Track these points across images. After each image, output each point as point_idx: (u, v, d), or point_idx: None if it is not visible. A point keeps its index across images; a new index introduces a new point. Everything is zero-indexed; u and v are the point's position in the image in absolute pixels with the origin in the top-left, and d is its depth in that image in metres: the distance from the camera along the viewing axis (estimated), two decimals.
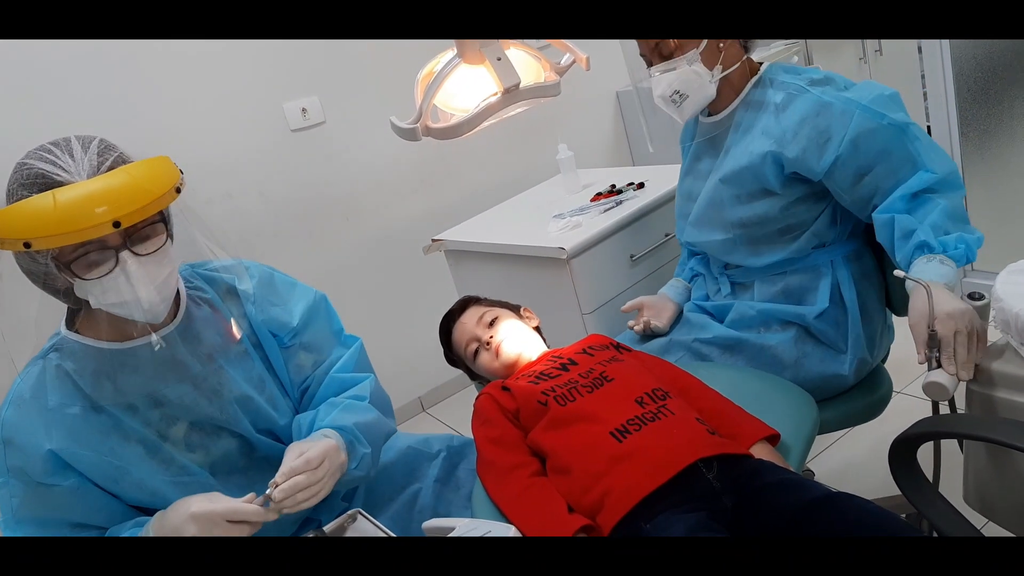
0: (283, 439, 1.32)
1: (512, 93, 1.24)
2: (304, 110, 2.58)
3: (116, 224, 0.99)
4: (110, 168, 1.05)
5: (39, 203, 0.97)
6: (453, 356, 1.63)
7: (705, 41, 1.44)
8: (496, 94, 1.25)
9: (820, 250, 1.54)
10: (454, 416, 2.87)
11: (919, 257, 1.30)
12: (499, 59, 1.22)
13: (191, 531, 1.07)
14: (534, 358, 1.50)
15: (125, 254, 1.05)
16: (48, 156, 1.04)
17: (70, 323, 1.19)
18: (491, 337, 1.50)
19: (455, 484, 1.48)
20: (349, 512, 1.25)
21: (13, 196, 1.03)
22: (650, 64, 1.53)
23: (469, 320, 1.56)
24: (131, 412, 1.17)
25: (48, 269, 1.05)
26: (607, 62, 3.24)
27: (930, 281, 1.22)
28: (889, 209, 1.36)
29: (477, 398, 1.43)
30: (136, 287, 1.06)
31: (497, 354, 1.48)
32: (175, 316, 1.23)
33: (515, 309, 1.62)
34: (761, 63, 1.55)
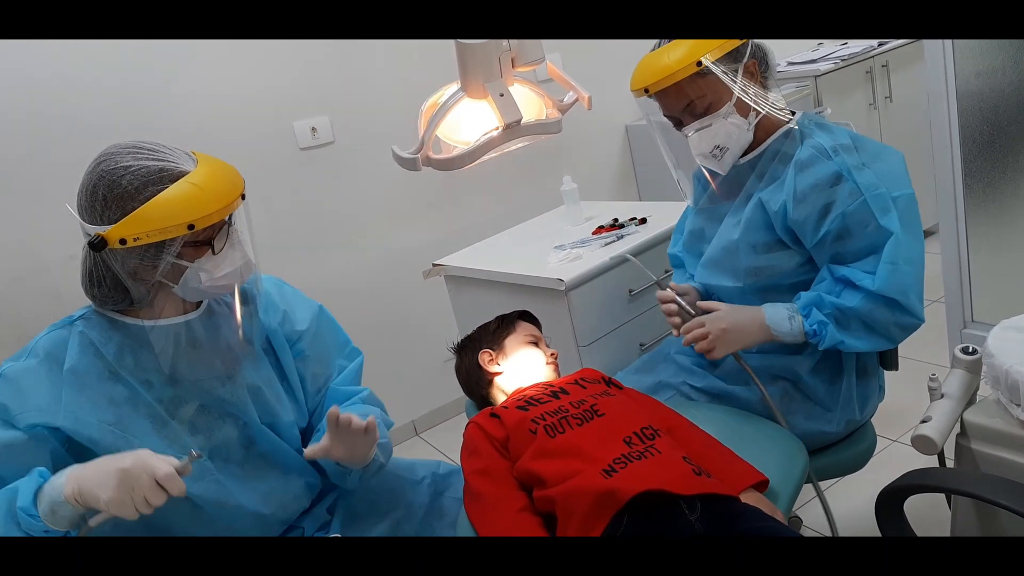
0: (284, 435, 1.36)
1: (513, 129, 1.26)
2: (314, 129, 2.60)
3: (243, 196, 1.17)
4: (195, 159, 1.17)
5: (185, 189, 1.11)
6: (480, 338, 1.63)
7: (736, 95, 1.43)
8: (497, 129, 1.26)
9: None
10: (447, 441, 2.86)
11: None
12: (502, 95, 1.24)
13: (126, 463, 1.03)
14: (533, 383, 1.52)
15: (232, 228, 1.20)
16: (144, 154, 1.14)
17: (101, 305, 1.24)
18: (553, 353, 1.61)
19: (439, 511, 1.48)
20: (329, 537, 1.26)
21: (139, 195, 1.11)
22: (679, 124, 1.51)
23: (537, 330, 1.67)
24: (147, 386, 1.22)
25: (160, 260, 1.13)
26: (617, 96, 3.27)
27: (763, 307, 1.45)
28: (832, 272, 1.44)
29: (466, 427, 1.43)
30: (242, 254, 1.20)
31: (555, 364, 1.59)
32: (199, 305, 1.30)
33: None
34: (793, 112, 1.52)
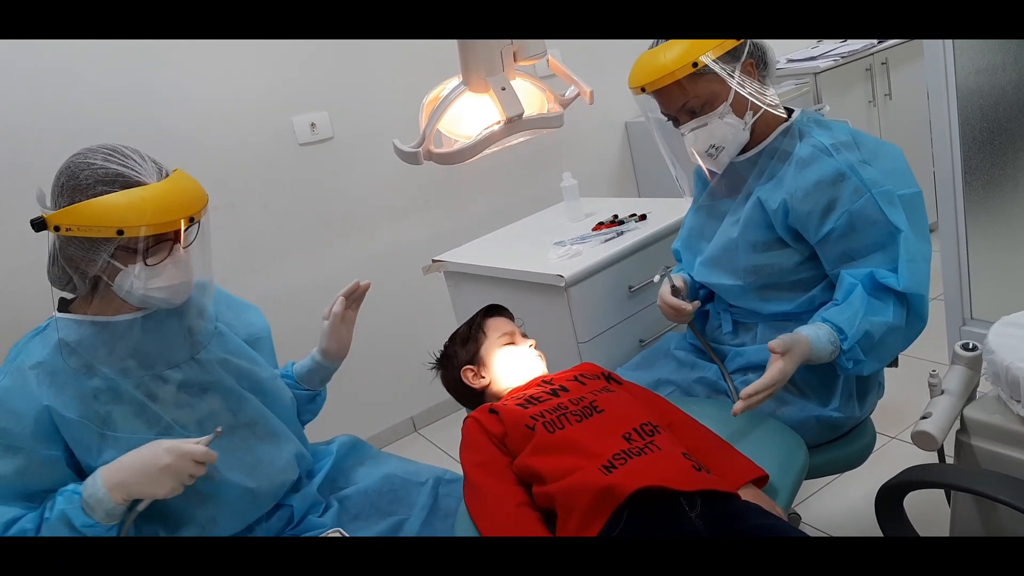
0: (269, 393, 1.43)
1: (515, 123, 1.25)
2: (313, 124, 2.60)
3: (192, 220, 1.19)
4: (167, 175, 1.20)
5: (129, 197, 1.14)
6: (456, 354, 1.60)
7: (733, 93, 1.42)
8: (499, 123, 1.26)
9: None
10: (446, 438, 2.86)
11: (829, 326, 1.37)
12: (503, 89, 1.23)
13: (165, 460, 1.16)
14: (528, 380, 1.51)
15: (177, 246, 1.21)
16: (114, 158, 1.18)
17: (62, 309, 1.29)
18: (533, 344, 1.58)
19: (442, 512, 1.48)
20: (330, 531, 1.29)
21: (89, 191, 1.15)
22: (677, 121, 1.50)
23: (508, 322, 1.61)
24: (124, 374, 1.26)
25: (97, 255, 1.17)
26: (617, 93, 3.27)
27: (807, 336, 1.36)
28: (856, 277, 1.41)
29: (464, 422, 1.42)
30: (183, 273, 1.23)
31: (539, 355, 1.57)
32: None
33: None
34: (792, 110, 1.52)
